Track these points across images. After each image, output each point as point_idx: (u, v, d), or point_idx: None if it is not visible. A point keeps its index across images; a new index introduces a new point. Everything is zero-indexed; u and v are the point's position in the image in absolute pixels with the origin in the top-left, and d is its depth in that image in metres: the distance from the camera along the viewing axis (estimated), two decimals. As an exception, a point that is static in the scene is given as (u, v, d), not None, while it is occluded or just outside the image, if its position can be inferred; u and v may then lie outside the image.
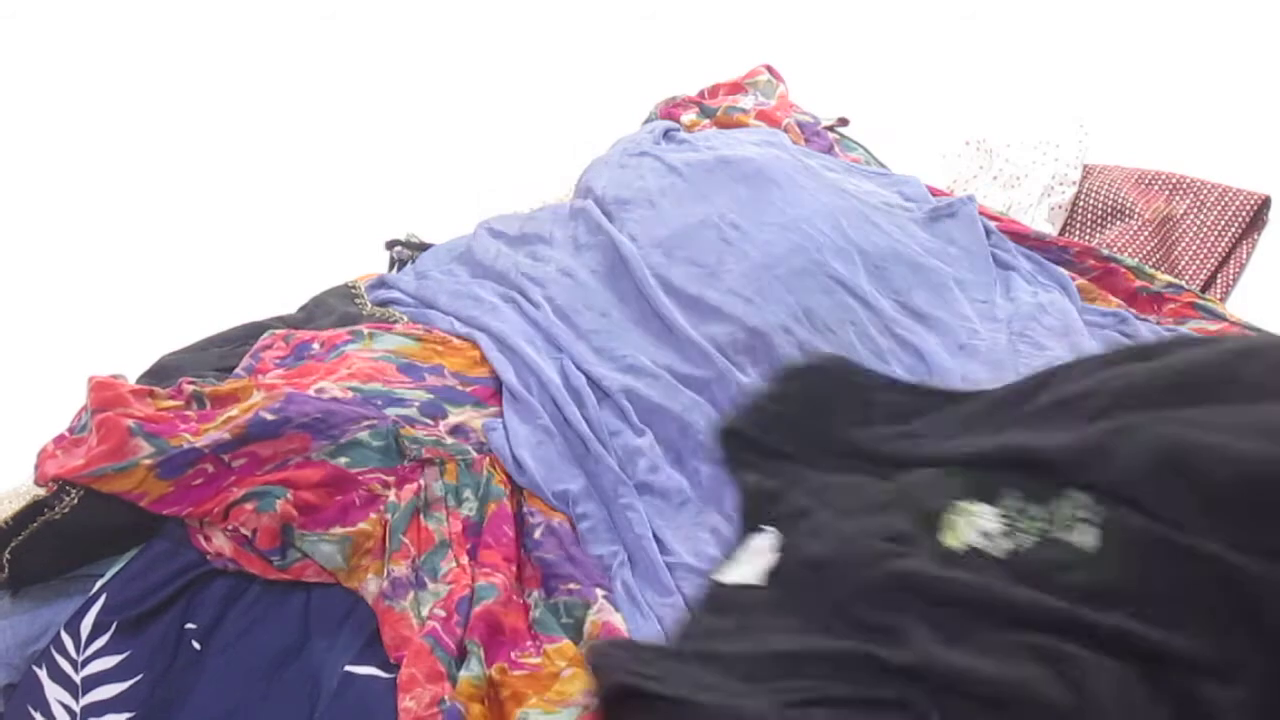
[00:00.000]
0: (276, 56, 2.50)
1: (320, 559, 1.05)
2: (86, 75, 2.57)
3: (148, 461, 1.04)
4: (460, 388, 1.22)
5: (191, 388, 1.15)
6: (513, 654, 0.99)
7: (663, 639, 1.01)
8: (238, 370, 1.24)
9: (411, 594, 1.03)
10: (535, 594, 1.05)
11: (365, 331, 1.28)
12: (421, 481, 1.11)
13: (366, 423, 1.11)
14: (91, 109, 2.48)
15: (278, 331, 1.29)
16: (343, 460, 1.09)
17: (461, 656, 0.97)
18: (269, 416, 1.08)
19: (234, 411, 1.10)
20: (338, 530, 1.06)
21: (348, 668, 0.96)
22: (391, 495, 1.10)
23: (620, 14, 2.33)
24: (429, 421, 1.16)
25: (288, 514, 1.05)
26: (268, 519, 1.04)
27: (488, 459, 1.15)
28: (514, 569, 1.06)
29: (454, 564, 1.05)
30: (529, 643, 1.00)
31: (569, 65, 2.23)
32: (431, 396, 1.19)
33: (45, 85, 2.59)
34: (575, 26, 2.34)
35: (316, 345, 1.25)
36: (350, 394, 1.16)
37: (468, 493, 1.11)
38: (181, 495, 1.06)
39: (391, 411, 1.15)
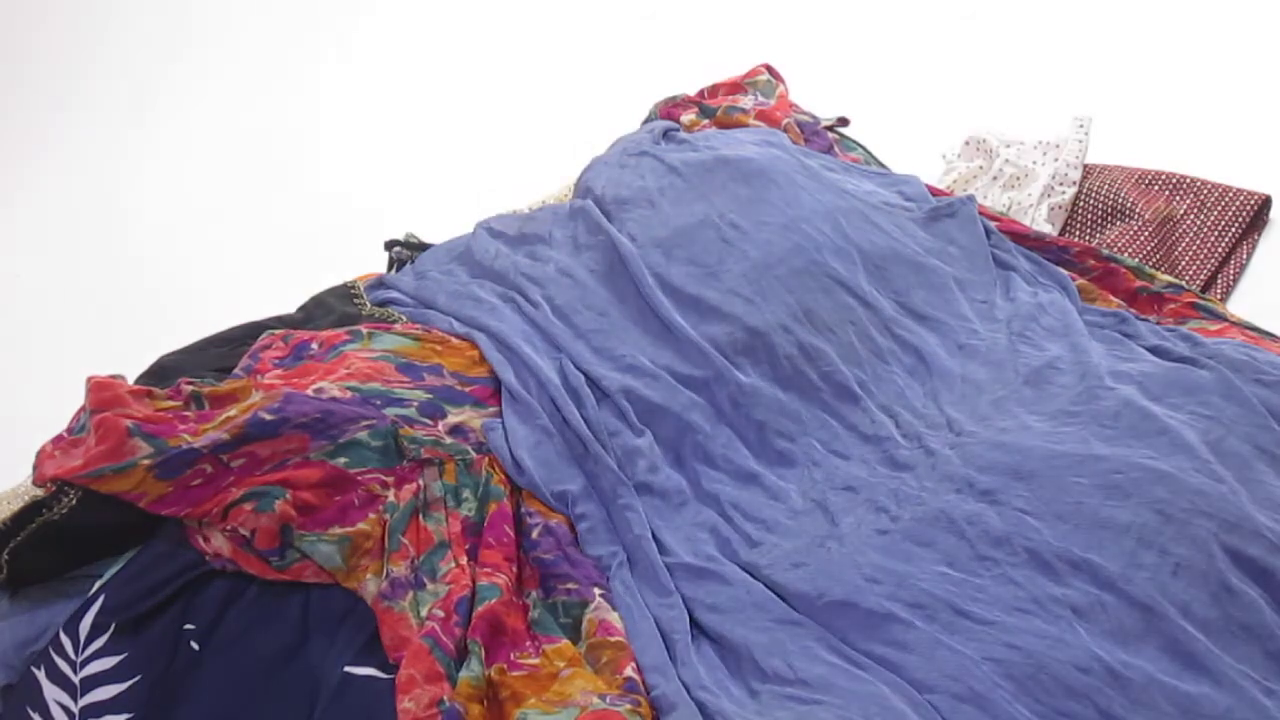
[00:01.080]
0: (276, 56, 2.50)
1: (319, 559, 1.05)
2: (86, 74, 2.57)
3: (146, 462, 1.04)
4: (459, 387, 1.22)
5: (190, 388, 1.15)
6: (512, 654, 0.99)
7: (660, 641, 1.01)
8: (236, 371, 1.24)
9: (410, 594, 1.02)
10: (534, 594, 1.05)
11: (364, 331, 1.27)
12: (420, 482, 1.11)
13: (365, 423, 1.11)
14: (93, 109, 2.48)
15: (276, 332, 1.29)
16: (341, 460, 1.09)
17: (460, 657, 0.97)
18: (267, 416, 1.08)
19: (232, 411, 1.10)
20: (336, 530, 1.06)
21: (347, 668, 0.96)
22: (390, 495, 1.09)
23: (620, 14, 2.32)
24: (428, 421, 1.16)
25: (286, 514, 1.04)
26: (266, 519, 1.04)
27: (486, 459, 1.15)
28: (515, 569, 1.06)
29: (453, 564, 1.05)
30: (528, 643, 1.00)
31: (569, 65, 2.23)
32: (430, 396, 1.19)
33: (44, 85, 2.59)
34: (575, 26, 2.34)
35: (315, 345, 1.25)
36: (349, 394, 1.16)
37: (466, 493, 1.11)
38: (180, 496, 1.05)
39: (390, 411, 1.15)
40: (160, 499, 1.05)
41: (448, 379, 1.22)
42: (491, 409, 1.21)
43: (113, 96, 2.49)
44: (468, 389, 1.22)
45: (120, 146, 2.33)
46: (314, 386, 1.16)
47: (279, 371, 1.22)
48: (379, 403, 1.16)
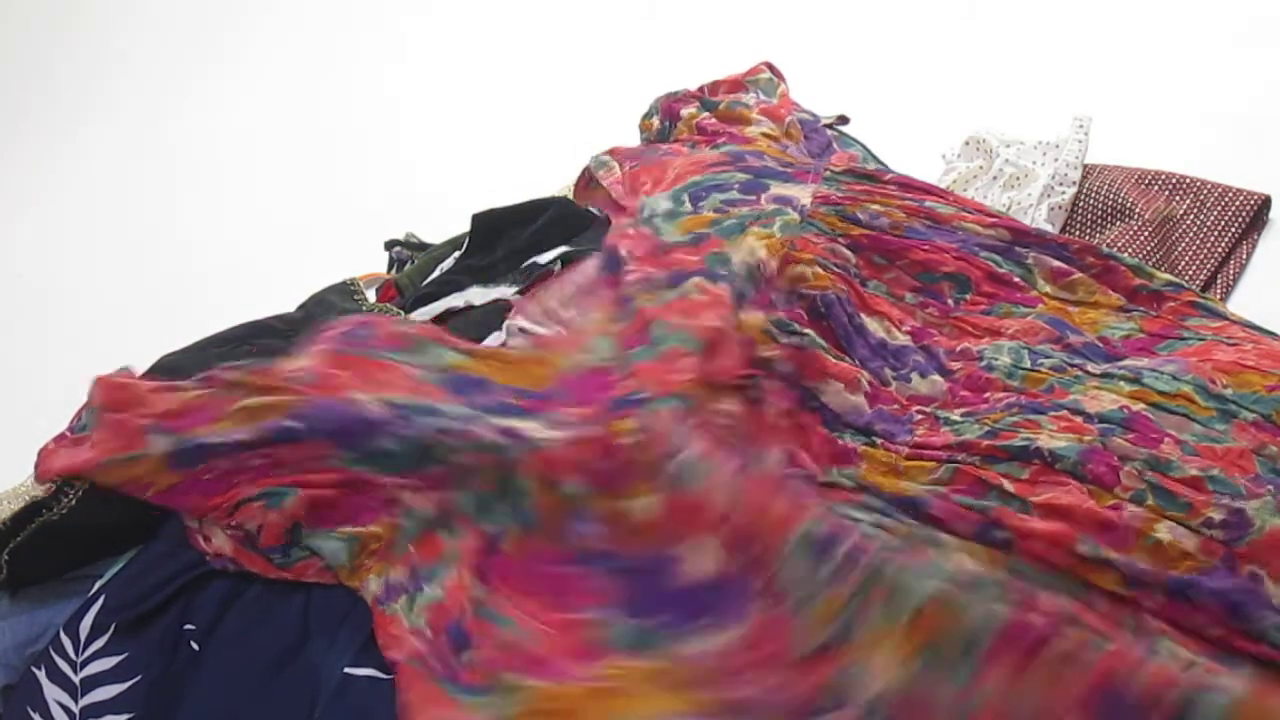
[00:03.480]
0: (272, 58, 2.51)
1: (325, 555, 1.04)
2: (84, 73, 2.57)
3: (158, 453, 1.03)
4: (514, 401, 1.15)
5: (231, 375, 1.11)
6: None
7: None
8: (298, 339, 1.20)
9: (403, 598, 1.01)
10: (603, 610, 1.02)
11: (422, 340, 1.21)
12: (447, 492, 1.08)
13: (394, 433, 1.08)
14: (92, 110, 2.48)
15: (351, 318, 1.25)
16: (365, 468, 1.07)
17: (451, 676, 0.95)
18: (293, 424, 1.06)
19: (253, 402, 1.08)
20: (346, 529, 1.05)
21: (346, 669, 0.96)
22: (410, 501, 1.07)
23: (619, 14, 2.32)
24: (471, 428, 1.10)
25: (295, 513, 1.04)
26: (275, 515, 1.03)
27: (532, 457, 1.07)
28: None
29: (455, 576, 1.03)
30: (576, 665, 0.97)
31: (568, 65, 2.23)
32: (476, 412, 1.13)
33: (42, 84, 2.59)
34: (574, 26, 2.34)
35: (373, 334, 1.20)
36: (384, 407, 1.11)
37: (500, 506, 1.07)
38: (190, 487, 1.04)
39: (426, 420, 1.11)
40: (169, 489, 1.04)
41: (499, 394, 1.16)
42: (540, 416, 1.13)
43: (112, 97, 2.50)
44: (519, 402, 1.15)
45: (119, 147, 2.33)
46: (350, 395, 1.13)
47: (328, 351, 1.17)
48: (414, 413, 1.11)
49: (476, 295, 1.41)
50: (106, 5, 2.77)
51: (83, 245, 2.09)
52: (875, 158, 1.58)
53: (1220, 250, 1.44)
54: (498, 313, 1.37)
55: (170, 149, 2.30)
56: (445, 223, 1.59)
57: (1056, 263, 1.29)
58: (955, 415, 1.14)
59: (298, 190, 2.08)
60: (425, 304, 1.43)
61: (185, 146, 2.29)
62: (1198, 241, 1.45)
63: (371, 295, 1.51)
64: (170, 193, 2.17)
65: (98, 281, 1.98)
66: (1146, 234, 1.46)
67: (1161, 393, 1.08)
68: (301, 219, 2.00)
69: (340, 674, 0.95)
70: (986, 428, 1.10)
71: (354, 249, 1.69)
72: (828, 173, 1.40)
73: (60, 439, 1.12)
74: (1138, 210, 1.48)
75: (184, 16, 2.69)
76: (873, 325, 1.24)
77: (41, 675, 0.99)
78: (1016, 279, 1.28)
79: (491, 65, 2.30)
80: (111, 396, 1.07)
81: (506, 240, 1.47)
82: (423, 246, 1.62)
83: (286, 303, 1.47)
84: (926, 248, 1.30)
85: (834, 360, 1.18)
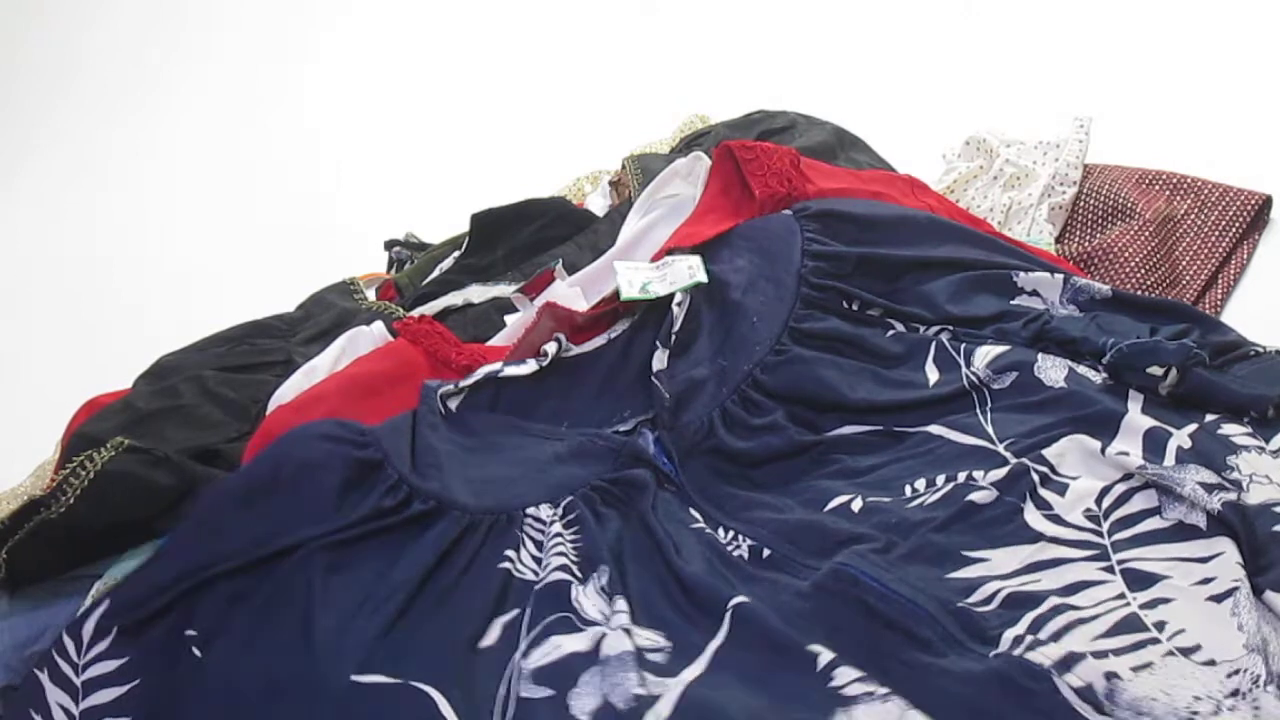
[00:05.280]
0: (276, 55, 2.50)
1: None
2: (84, 72, 2.57)
3: None
4: None
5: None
6: None
7: None
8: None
9: None
10: None
11: None
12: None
13: None
14: (90, 107, 2.48)
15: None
16: None
17: None
18: None
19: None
20: None
21: (353, 677, 0.95)
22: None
23: (619, 12, 2.32)
24: None
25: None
26: None
27: None
28: None
29: None
30: None
31: (567, 62, 2.23)
32: None
33: (35, 82, 2.59)
34: (573, 23, 2.34)
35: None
36: None
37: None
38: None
39: None
40: None
41: None
42: None
43: (110, 93, 2.49)
44: None
45: (121, 144, 2.33)
46: None
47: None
48: None
49: (475, 293, 1.42)
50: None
51: (82, 245, 2.09)
52: (880, 159, 1.57)
53: (1221, 250, 1.44)
54: (496, 310, 1.38)
55: (173, 146, 2.30)
56: (446, 223, 1.59)
57: None
58: None
59: (299, 189, 2.08)
60: (424, 303, 1.43)
61: (188, 143, 2.29)
62: (1198, 241, 1.45)
63: (371, 295, 1.51)
64: (173, 192, 2.17)
65: (95, 281, 1.98)
66: (1147, 234, 1.46)
67: None
68: (302, 219, 2.00)
69: (347, 682, 0.94)
70: None
71: (353, 249, 1.68)
72: None
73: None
74: (1138, 210, 1.48)
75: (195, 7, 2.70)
76: None
77: (44, 677, 0.99)
78: None
79: (490, 64, 2.30)
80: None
81: (506, 240, 1.47)
82: (422, 246, 1.63)
83: (286, 302, 1.48)
84: None
85: None
